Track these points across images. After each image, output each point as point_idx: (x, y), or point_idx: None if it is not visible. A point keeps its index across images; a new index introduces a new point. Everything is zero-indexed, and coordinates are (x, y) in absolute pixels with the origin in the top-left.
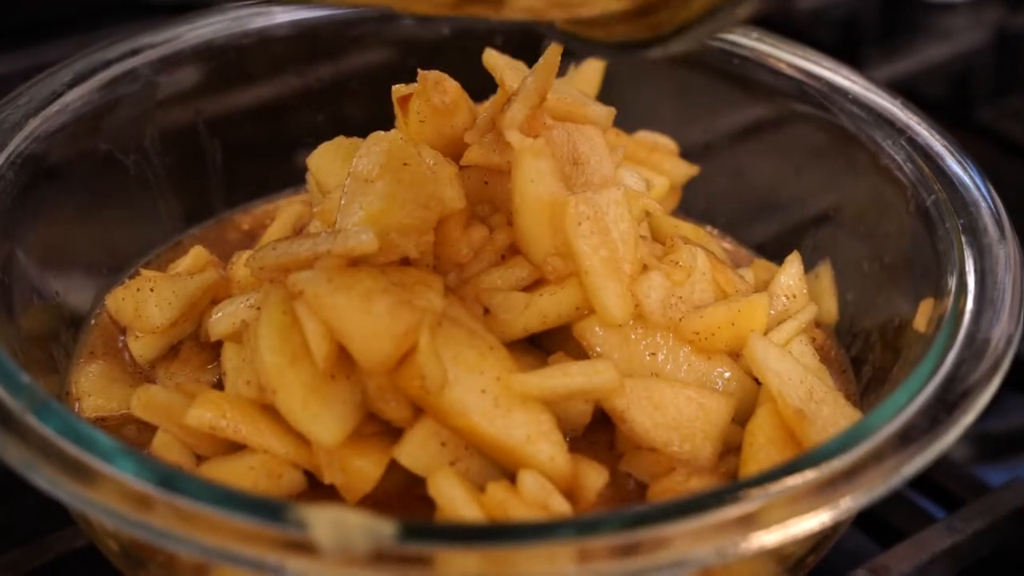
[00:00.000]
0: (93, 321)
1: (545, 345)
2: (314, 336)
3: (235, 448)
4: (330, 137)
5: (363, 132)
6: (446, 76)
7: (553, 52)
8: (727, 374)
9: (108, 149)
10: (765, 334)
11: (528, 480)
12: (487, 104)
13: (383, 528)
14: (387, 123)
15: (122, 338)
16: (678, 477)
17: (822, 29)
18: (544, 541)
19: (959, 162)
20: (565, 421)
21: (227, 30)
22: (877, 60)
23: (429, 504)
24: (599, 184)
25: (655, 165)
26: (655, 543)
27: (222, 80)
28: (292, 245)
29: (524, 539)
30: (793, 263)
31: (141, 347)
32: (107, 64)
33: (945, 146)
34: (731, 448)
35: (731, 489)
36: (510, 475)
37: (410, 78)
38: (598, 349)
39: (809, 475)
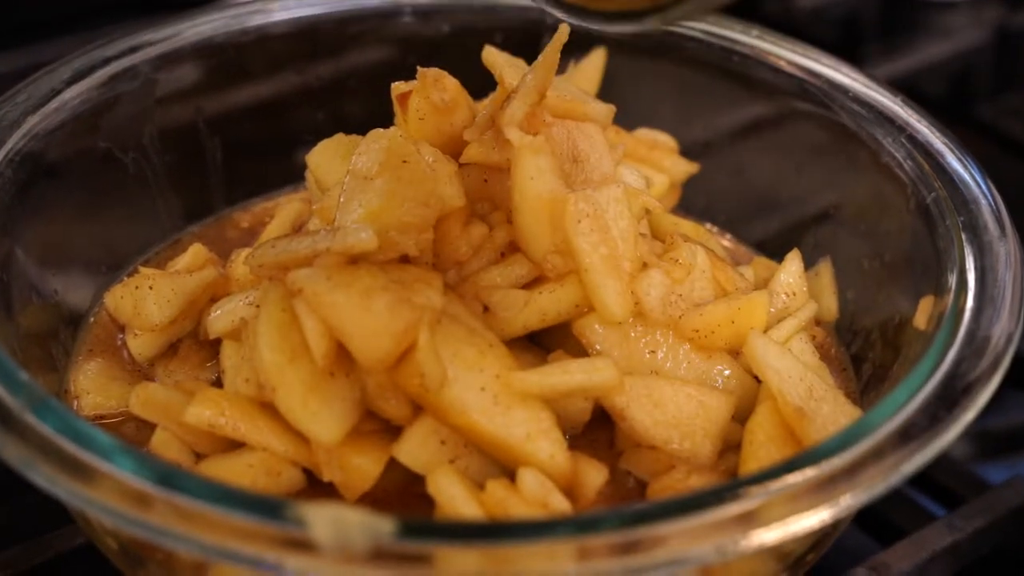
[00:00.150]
0: (92, 319)
1: (545, 343)
2: (313, 334)
3: (234, 446)
4: (329, 135)
5: (362, 130)
6: (445, 73)
7: (553, 49)
8: (727, 372)
9: (107, 147)
10: (765, 332)
11: (528, 478)
12: (487, 102)
13: (382, 526)
14: (386, 121)
15: (121, 336)
16: (678, 475)
17: (822, 27)
18: (544, 539)
19: (959, 159)
20: (565, 419)
21: (226, 27)
22: (877, 58)
23: (428, 502)
24: (599, 182)
25: (655, 163)
26: (655, 541)
27: (221, 78)
28: (291, 243)
29: (524, 537)
30: (793, 261)
31: (140, 345)
32: (106, 61)
33: (945, 143)
34: (731, 446)
35: (731, 487)
36: (510, 473)
37: (410, 76)
38: (598, 347)
39: (809, 473)
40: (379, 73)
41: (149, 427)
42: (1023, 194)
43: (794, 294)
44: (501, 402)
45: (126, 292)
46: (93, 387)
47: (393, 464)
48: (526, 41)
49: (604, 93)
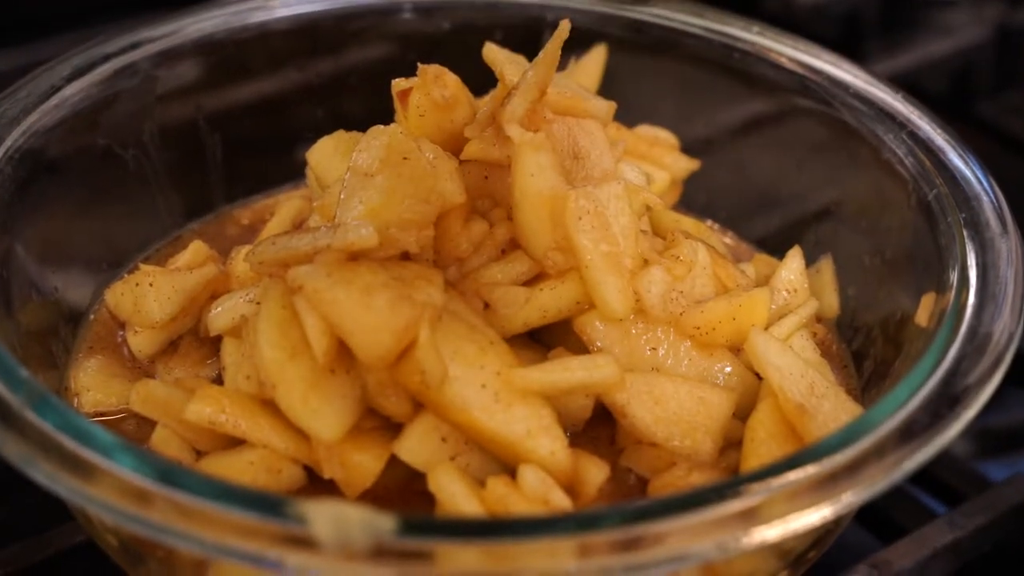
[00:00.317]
0: (92, 316)
1: (545, 340)
2: (314, 331)
3: (234, 443)
4: (330, 131)
5: (363, 126)
6: (446, 70)
7: (553, 46)
8: (728, 369)
9: (107, 144)
10: (766, 329)
11: (528, 475)
12: (487, 98)
13: (383, 523)
14: (387, 117)
15: (121, 333)
16: (679, 472)
17: (823, 24)
18: (545, 536)
19: (961, 156)
20: (566, 416)
21: (227, 24)
22: (878, 55)
23: (429, 499)
24: (599, 178)
25: (656, 159)
26: (656, 538)
27: (222, 75)
28: (292, 240)
29: (524, 534)
30: (794, 258)
31: (140, 342)
32: (106, 58)
33: (947, 140)
34: (732, 443)
35: (732, 484)
36: (510, 470)
37: (410, 72)
38: (598, 344)
39: (810, 470)
40: (380, 70)
41: (149, 424)
42: None
43: (795, 291)
44: (502, 399)
45: (126, 289)
46: (93, 384)
47: (394, 461)
48: (527, 38)
49: (605, 90)
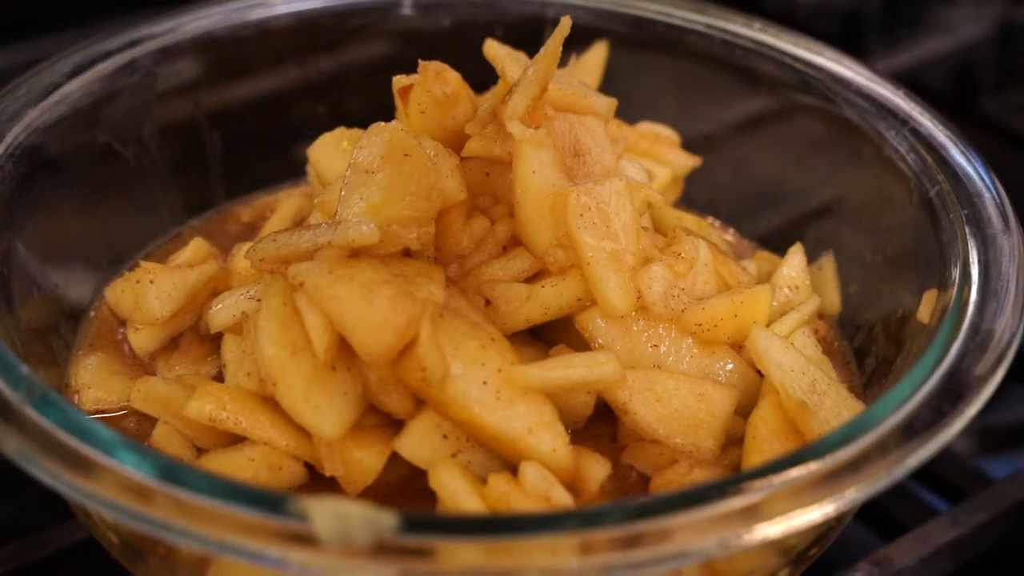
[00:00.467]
0: (93, 313)
1: (547, 337)
2: (315, 328)
3: (235, 440)
4: (330, 129)
5: (364, 123)
6: (447, 67)
7: (554, 43)
8: (729, 366)
9: (107, 141)
10: (768, 326)
11: (530, 472)
12: (488, 95)
13: (384, 520)
14: (388, 114)
15: (122, 330)
16: (681, 469)
17: (824, 21)
18: (546, 533)
19: (962, 153)
20: (567, 413)
21: (227, 21)
22: (879, 52)
23: (430, 496)
24: (601, 175)
25: (657, 156)
26: (658, 535)
27: (222, 71)
28: (292, 236)
29: (526, 531)
30: (796, 254)
31: (141, 339)
32: (106, 55)
33: (948, 137)
34: (734, 440)
35: (734, 481)
36: (512, 467)
37: (411, 69)
38: (600, 341)
39: (812, 467)
40: (380, 67)
41: (150, 421)
42: None
43: (796, 288)
44: (503, 396)
45: (127, 286)
46: (94, 381)
47: (395, 458)
48: (527, 35)
49: (606, 86)
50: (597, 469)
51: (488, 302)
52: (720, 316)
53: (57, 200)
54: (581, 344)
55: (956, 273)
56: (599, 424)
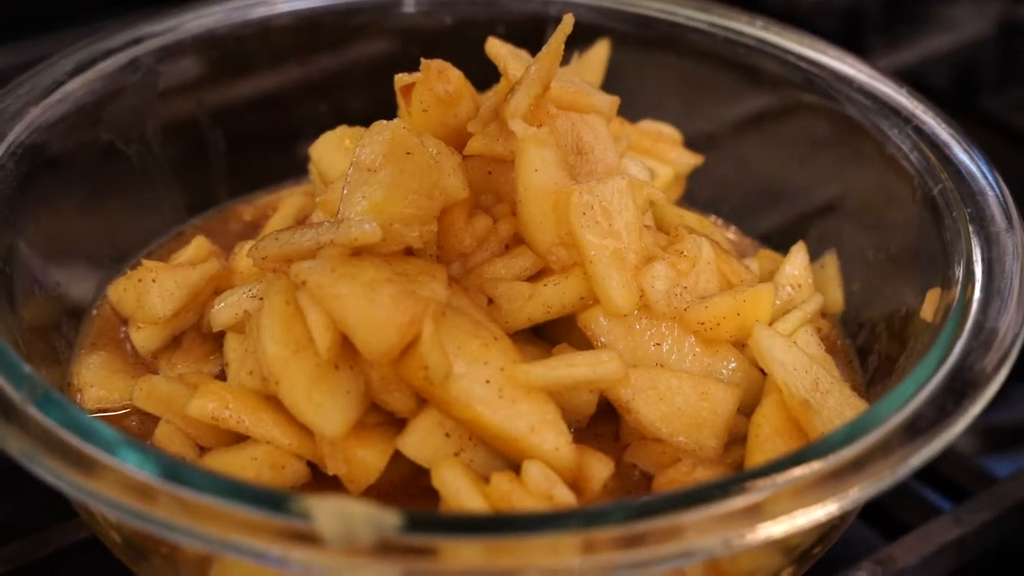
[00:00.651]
0: (95, 312)
1: (549, 335)
2: (317, 326)
3: (238, 439)
4: (332, 127)
5: (366, 122)
6: (449, 65)
7: (557, 41)
8: (732, 364)
9: (110, 139)
10: (770, 324)
11: (533, 471)
12: (490, 93)
13: (387, 519)
14: (390, 113)
15: (124, 329)
16: (684, 468)
17: (825, 19)
18: (549, 532)
19: (966, 151)
20: (570, 412)
21: (229, 19)
22: (880, 50)
23: (433, 495)
24: (603, 173)
25: (659, 154)
26: (661, 534)
27: (224, 70)
28: (295, 235)
29: (529, 530)
30: (798, 253)
31: (143, 338)
32: (108, 53)
33: (952, 135)
34: (737, 439)
35: (737, 480)
36: (514, 466)
37: (413, 67)
38: (602, 339)
39: (816, 466)
40: (382, 65)
41: (152, 420)
42: None
43: (799, 286)
44: (506, 395)
45: (129, 285)
46: (96, 380)
47: (398, 457)
48: (530, 33)
49: (608, 84)
50: (600, 468)
51: (491, 301)
52: (723, 314)
53: (59, 198)
54: (584, 343)
55: (959, 271)
56: (602, 423)
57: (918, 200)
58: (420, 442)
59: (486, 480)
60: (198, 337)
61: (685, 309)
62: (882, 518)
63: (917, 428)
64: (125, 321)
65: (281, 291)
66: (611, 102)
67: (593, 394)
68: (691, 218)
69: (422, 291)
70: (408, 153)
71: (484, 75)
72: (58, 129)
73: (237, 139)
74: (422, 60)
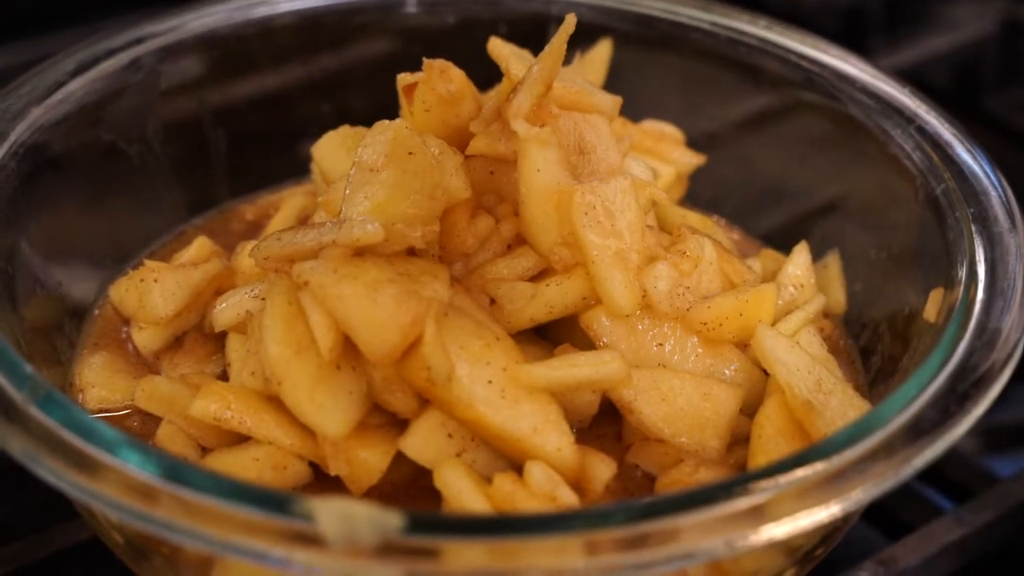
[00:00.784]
0: (97, 312)
1: (552, 336)
2: (319, 326)
3: (240, 439)
4: (334, 127)
5: (368, 122)
6: (452, 65)
7: (559, 40)
8: (735, 365)
9: (111, 139)
10: (773, 324)
11: (535, 471)
12: (492, 93)
13: (389, 520)
14: (392, 112)
15: (126, 329)
16: (686, 468)
17: (827, 19)
18: (552, 533)
19: (969, 151)
20: (572, 412)
21: (230, 19)
22: (882, 50)
23: (435, 496)
24: (605, 173)
25: (662, 154)
26: (664, 535)
27: (226, 69)
28: (297, 235)
29: (531, 531)
30: (801, 253)
31: (145, 338)
32: (110, 53)
33: (954, 134)
34: (739, 439)
35: (740, 481)
36: (517, 467)
37: (415, 67)
38: (605, 340)
39: (819, 467)
40: (384, 65)
41: (154, 421)
42: None
43: (802, 286)
44: (508, 395)
45: (131, 285)
46: (98, 380)
47: (400, 458)
48: (532, 32)
49: (610, 84)
50: (602, 468)
51: (493, 301)
52: (725, 315)
53: (61, 198)
54: (586, 343)
55: (962, 271)
56: (604, 423)
57: (921, 200)
58: (422, 443)
59: (488, 481)
60: (200, 337)
61: (688, 309)
62: (884, 518)
63: (920, 429)
64: (127, 321)
65: (283, 291)
66: (613, 102)
67: (595, 394)
68: (693, 218)
69: (424, 291)
70: (410, 153)
71: (486, 75)
72: (60, 129)
73: (239, 139)
74: (424, 60)
